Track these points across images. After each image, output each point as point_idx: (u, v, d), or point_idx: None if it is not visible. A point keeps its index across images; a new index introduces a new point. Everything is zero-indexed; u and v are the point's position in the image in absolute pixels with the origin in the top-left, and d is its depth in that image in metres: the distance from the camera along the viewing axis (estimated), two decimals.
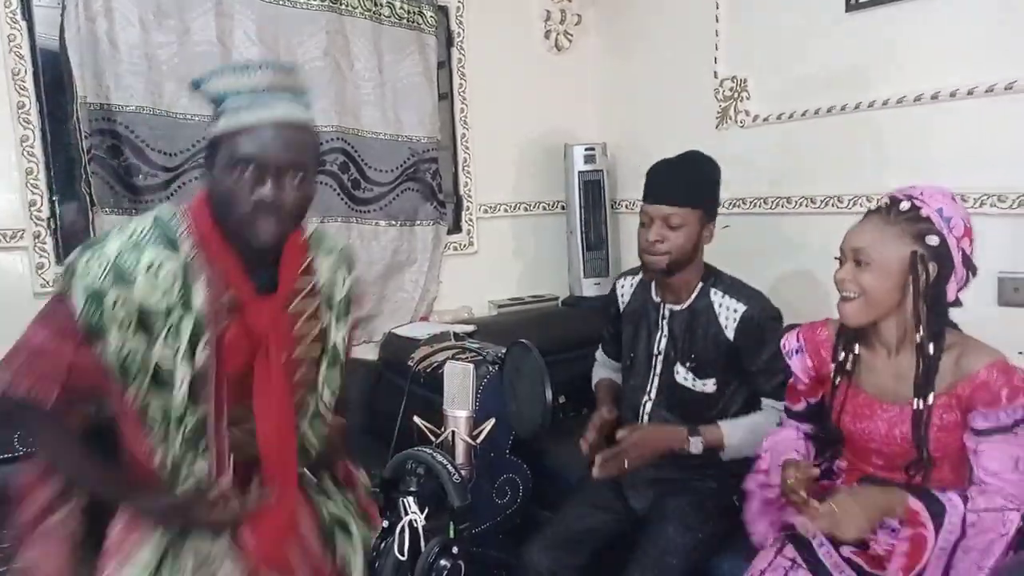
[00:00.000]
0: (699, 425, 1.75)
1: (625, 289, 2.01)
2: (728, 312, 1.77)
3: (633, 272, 2.01)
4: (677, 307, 1.84)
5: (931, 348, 1.33)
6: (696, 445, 1.72)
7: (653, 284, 1.91)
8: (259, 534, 1.23)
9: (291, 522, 1.28)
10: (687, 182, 1.77)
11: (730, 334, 1.76)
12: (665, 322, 1.86)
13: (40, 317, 1.21)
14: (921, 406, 1.33)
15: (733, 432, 1.74)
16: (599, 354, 2.17)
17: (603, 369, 2.15)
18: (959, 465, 1.36)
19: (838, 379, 1.48)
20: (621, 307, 2.00)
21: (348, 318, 1.39)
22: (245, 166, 1.14)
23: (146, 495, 1.21)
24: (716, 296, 1.80)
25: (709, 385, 1.80)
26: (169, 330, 1.16)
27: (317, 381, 1.35)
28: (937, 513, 1.26)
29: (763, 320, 1.76)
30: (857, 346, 1.46)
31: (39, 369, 1.16)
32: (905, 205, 1.32)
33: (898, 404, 1.39)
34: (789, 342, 1.58)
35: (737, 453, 1.73)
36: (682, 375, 1.82)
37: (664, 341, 1.86)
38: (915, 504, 1.27)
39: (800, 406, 1.60)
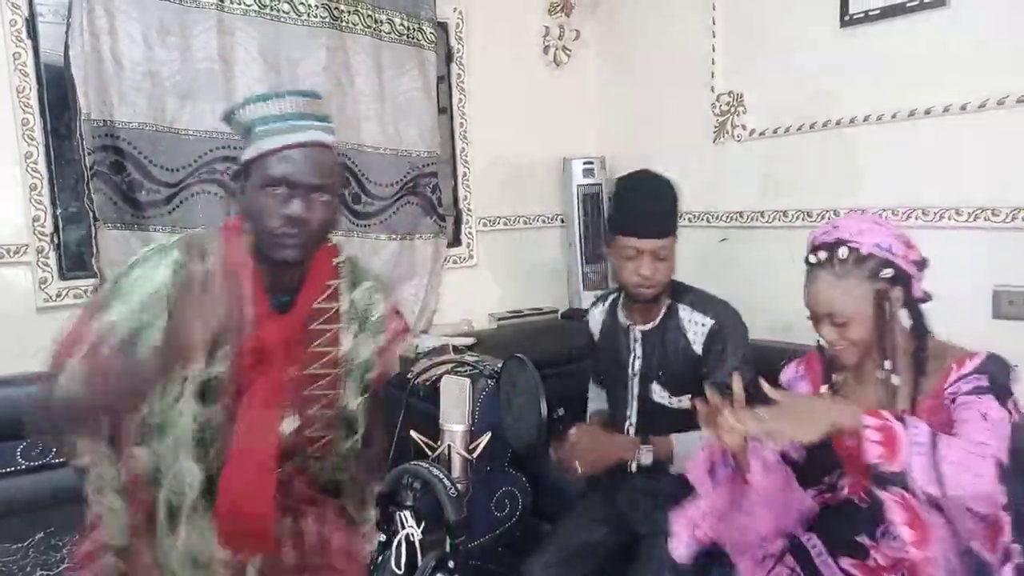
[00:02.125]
0: (655, 437, 1.76)
1: (596, 319, 2.02)
2: (696, 327, 1.79)
3: (601, 299, 2.04)
4: (647, 327, 1.85)
5: (896, 378, 1.36)
6: (646, 455, 1.73)
7: (620, 307, 1.92)
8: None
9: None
10: (668, 213, 1.76)
11: (697, 348, 1.78)
12: (637, 344, 1.86)
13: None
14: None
15: (684, 442, 1.73)
16: (591, 386, 2.13)
17: (596, 401, 2.12)
18: None
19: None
20: (596, 337, 2.01)
21: (375, 339, 1.43)
22: (276, 185, 1.20)
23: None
24: (684, 312, 1.82)
25: (685, 401, 1.80)
26: None
27: (337, 397, 1.39)
28: (899, 417, 1.24)
29: (729, 332, 1.77)
30: (844, 373, 1.48)
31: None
32: (843, 252, 1.34)
33: None
34: (789, 371, 1.60)
35: (683, 466, 1.67)
36: (658, 393, 1.84)
37: (638, 363, 1.86)
38: (876, 412, 1.25)
39: None
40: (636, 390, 1.88)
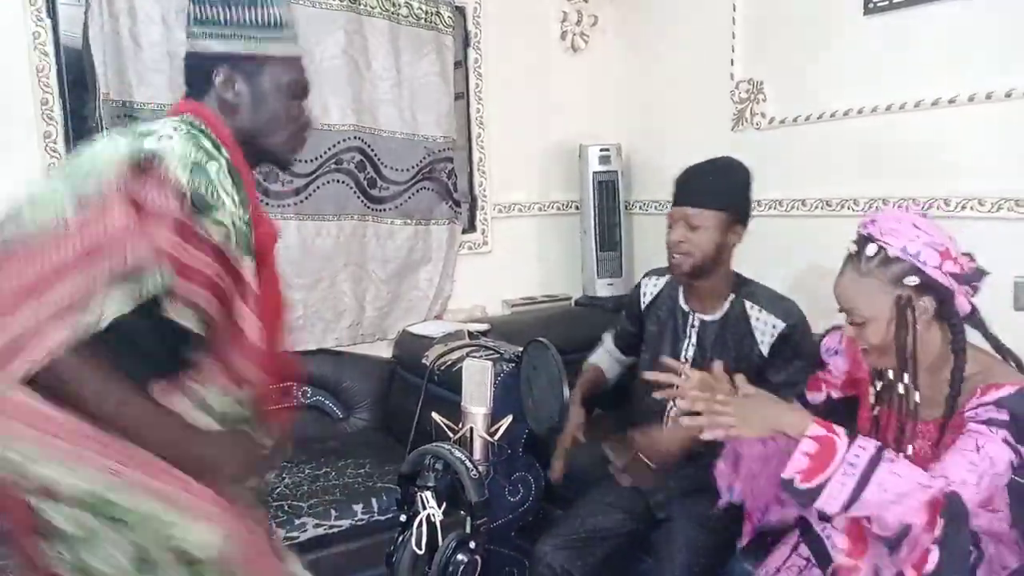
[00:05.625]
0: None
1: (650, 288, 2.01)
2: (766, 328, 1.77)
3: (660, 272, 2.02)
4: (708, 317, 1.84)
5: (918, 395, 1.31)
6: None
7: (681, 291, 1.92)
8: None
9: None
10: (709, 185, 1.80)
11: (764, 349, 1.77)
12: (694, 331, 1.86)
13: None
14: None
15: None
16: (607, 338, 2.16)
17: (603, 354, 2.14)
18: None
19: (876, 408, 1.43)
20: (643, 305, 2.00)
21: None
22: None
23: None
24: (752, 310, 1.80)
25: None
26: None
27: None
28: (851, 433, 1.21)
29: (800, 337, 1.77)
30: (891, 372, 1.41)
31: None
32: (872, 249, 1.27)
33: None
34: (831, 341, 1.57)
35: None
36: None
37: (692, 350, 1.86)
38: (828, 424, 1.22)
39: (820, 397, 1.57)
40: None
